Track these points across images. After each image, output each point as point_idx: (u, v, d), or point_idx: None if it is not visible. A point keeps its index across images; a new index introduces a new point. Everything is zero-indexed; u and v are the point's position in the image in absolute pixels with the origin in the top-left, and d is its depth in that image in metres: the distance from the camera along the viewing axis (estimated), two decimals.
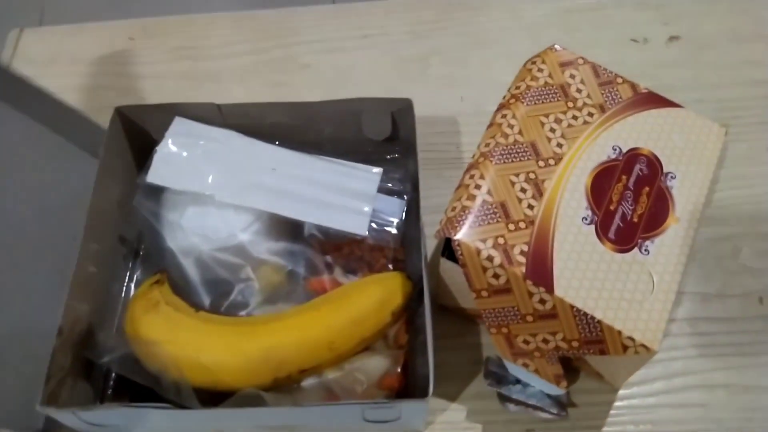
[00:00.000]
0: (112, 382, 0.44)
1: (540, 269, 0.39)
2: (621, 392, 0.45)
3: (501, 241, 0.39)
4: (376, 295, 0.44)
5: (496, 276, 0.39)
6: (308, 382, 0.42)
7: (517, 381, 0.43)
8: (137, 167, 0.51)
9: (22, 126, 0.51)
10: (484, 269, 0.39)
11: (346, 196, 0.48)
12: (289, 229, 0.49)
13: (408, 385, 0.43)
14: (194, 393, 0.38)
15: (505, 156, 0.42)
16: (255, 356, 0.41)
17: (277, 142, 0.50)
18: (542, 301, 0.39)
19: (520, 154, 0.43)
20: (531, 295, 0.39)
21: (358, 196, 0.48)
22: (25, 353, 0.40)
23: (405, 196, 0.49)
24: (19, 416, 0.42)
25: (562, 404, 0.43)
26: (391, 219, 0.48)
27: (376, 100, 0.49)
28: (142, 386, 0.41)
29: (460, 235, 0.39)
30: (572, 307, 0.38)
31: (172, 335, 0.41)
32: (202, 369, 0.40)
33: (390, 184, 0.50)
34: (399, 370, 0.43)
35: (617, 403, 0.45)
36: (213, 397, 0.39)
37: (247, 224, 0.46)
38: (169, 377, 0.40)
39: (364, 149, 0.53)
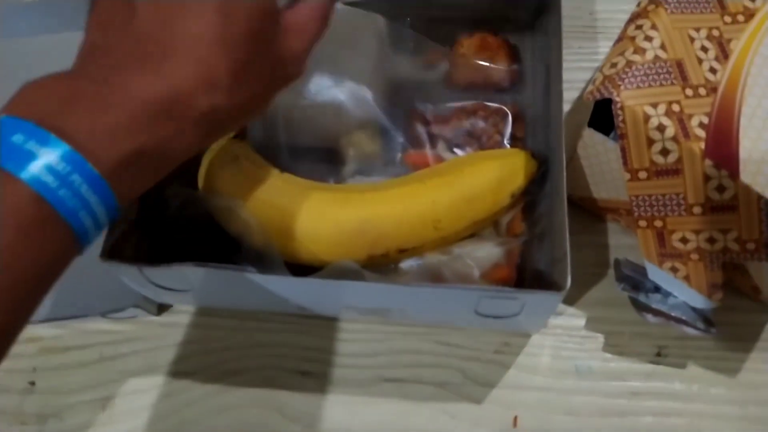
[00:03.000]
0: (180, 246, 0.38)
1: (723, 148, 0.30)
2: None
3: (676, 108, 0.31)
4: (493, 172, 0.36)
5: (664, 152, 0.31)
6: (408, 264, 0.36)
7: (656, 289, 0.35)
8: None
9: None
10: (650, 142, 0.31)
11: None
12: (389, 93, 0.41)
13: (520, 281, 0.37)
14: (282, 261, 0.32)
15: (682, 5, 0.33)
16: (348, 227, 0.34)
17: None
18: (720, 189, 0.30)
19: (702, 4, 0.33)
20: (707, 179, 0.30)
21: None
22: None
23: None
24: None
25: (709, 320, 0.35)
26: None
27: None
28: (214, 253, 0.35)
29: (625, 96, 0.31)
30: (760, 198, 0.30)
31: (252, 194, 0.35)
32: (286, 236, 0.34)
33: None
34: (515, 261, 0.36)
35: None
36: (294, 271, 0.34)
37: (344, 79, 0.39)
38: (249, 243, 0.34)
39: (481, 5, 0.44)
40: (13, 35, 0.45)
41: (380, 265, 0.35)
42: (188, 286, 0.34)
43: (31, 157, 0.20)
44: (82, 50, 0.25)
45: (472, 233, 0.37)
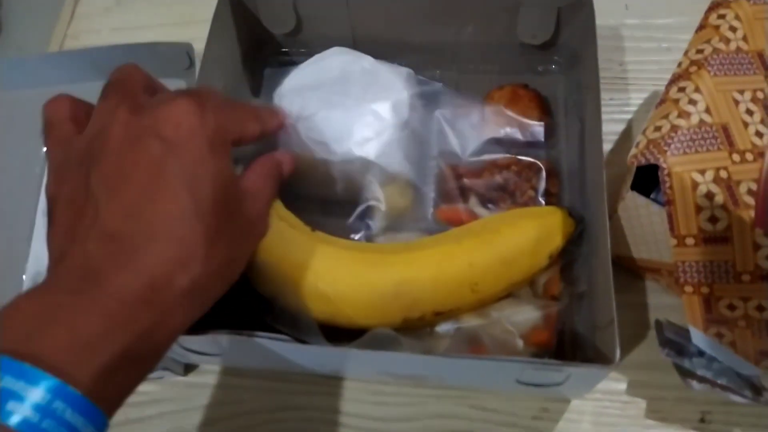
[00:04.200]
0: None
1: None
2: None
3: (724, 174, 0.30)
4: (531, 232, 0.35)
5: (713, 219, 0.30)
6: (444, 328, 0.35)
7: (700, 353, 0.34)
8: (243, 59, 0.44)
9: None
10: (699, 209, 0.30)
11: None
12: (419, 146, 0.41)
13: (560, 344, 0.35)
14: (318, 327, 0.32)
15: (725, 67, 0.33)
16: (384, 290, 0.34)
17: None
18: None
19: (745, 66, 0.33)
20: (757, 248, 0.30)
21: None
22: None
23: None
24: None
25: (756, 387, 0.34)
26: None
27: None
28: (246, 313, 0.34)
29: (672, 162, 0.30)
30: None
31: (285, 255, 0.34)
32: (321, 298, 0.33)
33: None
34: (554, 325, 0.35)
35: None
36: (328, 331, 0.33)
37: (374, 134, 0.39)
38: (282, 305, 0.33)
39: (511, 57, 0.44)
40: (13, 87, 0.46)
41: (416, 328, 0.35)
42: (220, 351, 0.34)
43: (9, 396, 0.19)
44: (51, 260, 0.24)
45: (508, 294, 0.36)
